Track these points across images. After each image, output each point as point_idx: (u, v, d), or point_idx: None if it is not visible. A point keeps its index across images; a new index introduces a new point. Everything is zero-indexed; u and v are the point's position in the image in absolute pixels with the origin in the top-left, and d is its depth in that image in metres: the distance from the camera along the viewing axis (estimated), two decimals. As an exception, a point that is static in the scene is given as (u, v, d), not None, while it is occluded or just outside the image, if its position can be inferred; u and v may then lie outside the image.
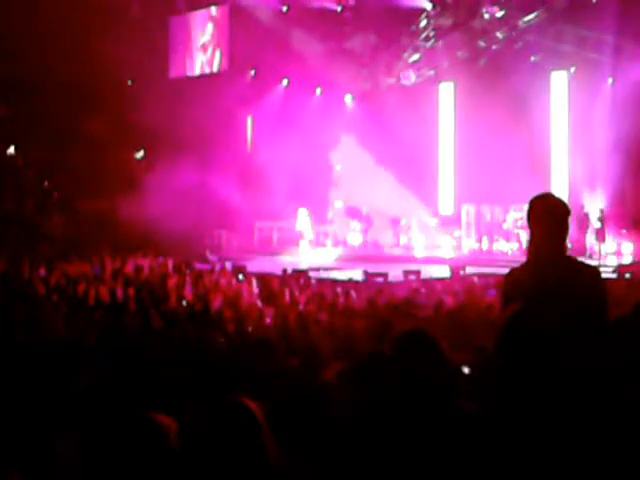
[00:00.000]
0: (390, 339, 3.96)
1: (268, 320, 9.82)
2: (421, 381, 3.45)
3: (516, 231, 21.84)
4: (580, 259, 4.58)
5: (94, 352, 6.68)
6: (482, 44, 23.99)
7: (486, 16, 23.12)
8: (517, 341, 3.03)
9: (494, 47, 23.83)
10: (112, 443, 3.31)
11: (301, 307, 10.96)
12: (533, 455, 2.89)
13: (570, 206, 4.50)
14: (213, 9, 27.62)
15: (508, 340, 3.07)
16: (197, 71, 27.98)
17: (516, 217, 21.95)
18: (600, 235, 20.24)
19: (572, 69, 22.75)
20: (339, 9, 25.07)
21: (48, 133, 25.80)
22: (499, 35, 23.48)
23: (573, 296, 4.05)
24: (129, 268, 16.88)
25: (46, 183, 27.23)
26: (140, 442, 3.23)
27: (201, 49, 27.98)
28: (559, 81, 23.12)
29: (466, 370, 5.01)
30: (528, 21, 22.47)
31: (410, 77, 25.82)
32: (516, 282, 4.44)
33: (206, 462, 3.29)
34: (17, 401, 5.17)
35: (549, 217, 4.32)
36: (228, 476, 3.24)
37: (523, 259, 4.63)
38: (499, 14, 22.94)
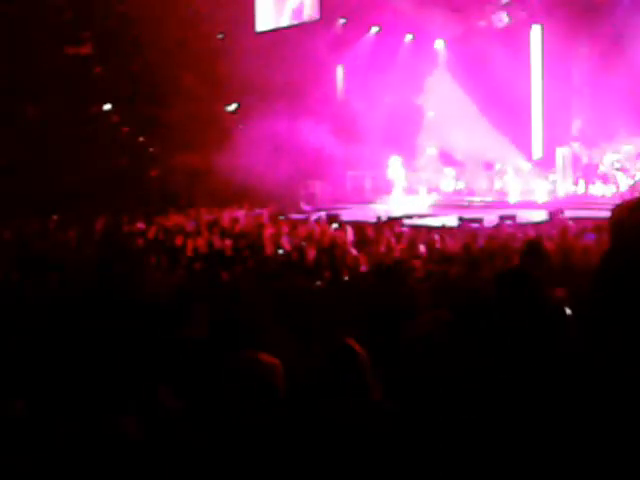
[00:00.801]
0: (489, 278, 3.95)
1: (363, 267, 9.87)
2: (521, 325, 3.44)
3: (613, 173, 21.31)
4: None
5: (194, 302, 6.82)
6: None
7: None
8: (612, 275, 3.01)
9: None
10: (221, 388, 3.41)
11: (396, 254, 10.97)
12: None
13: None
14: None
15: (604, 273, 3.04)
16: (286, 22, 27.87)
17: (613, 159, 21.42)
18: None
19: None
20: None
21: (142, 89, 26.17)
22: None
23: None
24: (225, 220, 17.14)
25: (141, 138, 27.63)
26: (249, 383, 3.32)
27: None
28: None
29: (568, 311, 4.97)
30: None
31: (502, 19, 25.29)
32: (621, 217, 4.32)
33: (312, 402, 3.37)
34: (122, 354, 5.33)
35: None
36: (334, 413, 3.31)
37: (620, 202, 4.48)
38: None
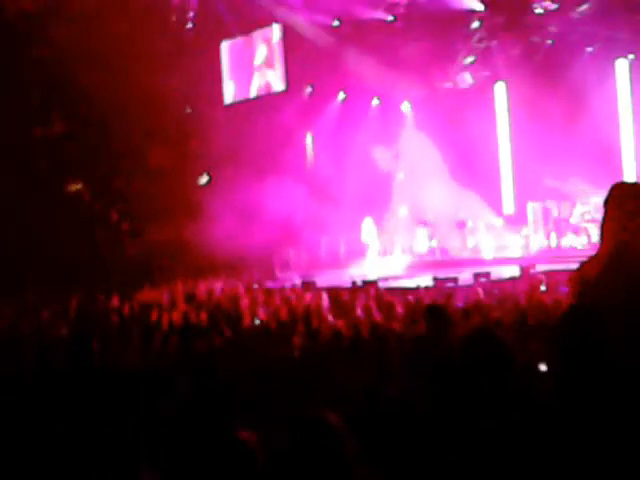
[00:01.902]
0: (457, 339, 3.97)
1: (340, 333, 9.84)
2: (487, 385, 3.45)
3: (584, 225, 21.54)
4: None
5: (173, 375, 6.79)
6: (536, 39, 23.76)
7: (538, 11, 22.94)
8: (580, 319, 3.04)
9: (549, 42, 23.59)
10: (200, 464, 3.38)
11: (373, 318, 10.96)
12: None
13: None
14: (265, 30, 27.79)
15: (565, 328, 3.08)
16: (253, 93, 28.18)
17: (583, 211, 21.67)
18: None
19: (631, 56, 22.40)
20: (390, 19, 25.08)
21: (113, 166, 26.30)
22: (553, 29, 23.23)
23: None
24: (201, 292, 17.10)
25: (114, 215, 27.66)
26: (228, 461, 3.29)
27: (256, 71, 28.18)
28: (621, 69, 22.75)
29: (543, 367, 4.98)
30: (581, 12, 22.18)
31: (466, 79, 25.74)
32: (586, 274, 4.38)
33: (290, 478, 3.32)
34: (99, 427, 5.28)
35: (620, 202, 4.25)
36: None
37: (592, 253, 4.57)
38: (552, 8, 22.72)
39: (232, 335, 10.55)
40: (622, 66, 22.78)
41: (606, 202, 4.35)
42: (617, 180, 4.62)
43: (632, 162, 22.55)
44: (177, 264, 23.71)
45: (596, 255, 4.41)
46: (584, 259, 4.60)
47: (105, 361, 7.85)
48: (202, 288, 18.09)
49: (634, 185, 4.41)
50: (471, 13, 23.90)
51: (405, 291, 15.22)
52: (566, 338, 3.14)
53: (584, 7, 21.98)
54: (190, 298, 15.91)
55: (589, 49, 22.72)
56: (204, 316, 12.53)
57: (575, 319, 3.14)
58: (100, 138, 26.19)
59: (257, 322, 11.80)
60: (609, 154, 22.30)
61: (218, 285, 18.85)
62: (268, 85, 27.87)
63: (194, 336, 10.53)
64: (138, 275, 22.31)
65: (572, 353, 3.10)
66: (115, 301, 15.72)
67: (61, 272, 22.02)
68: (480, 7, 23.60)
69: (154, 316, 12.89)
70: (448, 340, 4.47)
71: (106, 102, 24.88)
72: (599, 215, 4.47)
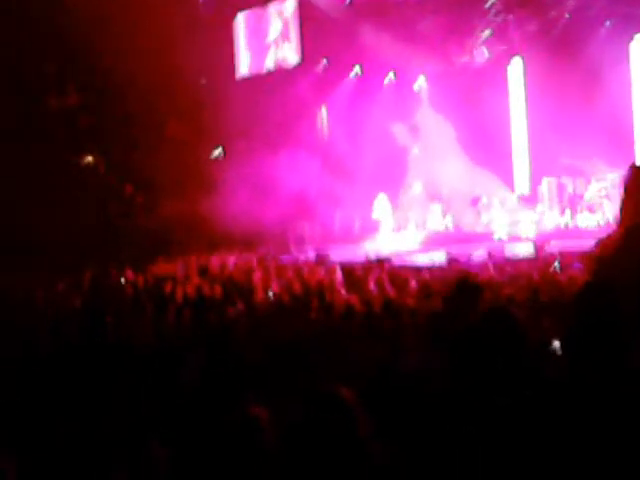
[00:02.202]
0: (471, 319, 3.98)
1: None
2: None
3: (599, 202, 21.44)
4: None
5: (187, 349, 6.82)
6: (553, 14, 23.57)
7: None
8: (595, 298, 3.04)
9: (566, 16, 23.40)
10: (211, 440, 3.40)
11: (386, 293, 10.98)
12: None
13: None
14: (279, 3, 27.67)
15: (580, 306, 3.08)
16: (268, 66, 28.09)
17: (598, 188, 21.56)
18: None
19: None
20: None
21: (128, 139, 26.33)
22: (570, 3, 23.05)
23: None
24: (214, 265, 17.14)
25: (129, 187, 27.72)
26: (239, 437, 3.30)
27: (272, 44, 28.07)
28: (636, 46, 22.55)
29: (556, 344, 4.98)
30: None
31: (483, 54, 25.57)
32: (603, 253, 4.38)
33: (303, 454, 3.34)
34: (115, 403, 5.32)
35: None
36: (326, 467, 3.28)
37: (607, 230, 4.58)
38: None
39: (245, 308, 10.59)
40: (638, 43, 22.55)
41: (624, 183, 4.34)
42: (633, 160, 4.62)
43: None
44: (191, 237, 23.74)
45: (613, 234, 4.41)
46: (599, 236, 4.60)
47: (119, 335, 7.89)
48: (215, 262, 18.14)
49: None
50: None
51: (418, 267, 15.23)
52: (580, 316, 3.14)
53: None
54: (203, 271, 15.96)
55: (607, 24, 22.51)
56: (218, 289, 12.58)
57: (589, 297, 3.14)
58: (115, 110, 26.22)
59: (270, 295, 11.84)
60: (624, 131, 22.18)
61: (231, 259, 18.89)
62: (283, 58, 27.77)
63: (207, 309, 10.59)
64: (152, 248, 22.38)
65: (585, 331, 3.11)
66: (129, 274, 15.79)
67: (74, 244, 22.10)
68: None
69: (168, 289, 12.95)
70: (472, 315, 4.45)
71: (121, 73, 24.89)
72: (614, 192, 4.49)
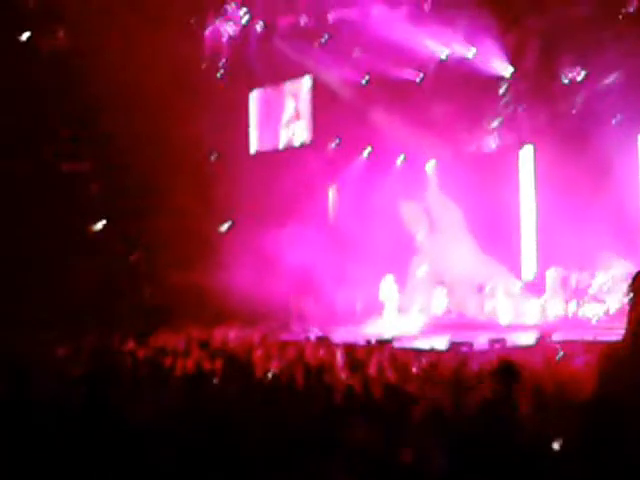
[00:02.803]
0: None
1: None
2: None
3: (603, 295, 21.44)
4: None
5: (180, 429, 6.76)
6: (563, 107, 23.88)
7: (566, 81, 23.13)
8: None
9: (575, 110, 23.69)
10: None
11: (387, 378, 10.90)
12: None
13: None
14: (295, 82, 28.06)
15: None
16: (281, 145, 28.40)
17: (603, 281, 21.59)
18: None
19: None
20: (418, 79, 25.32)
21: (136, 208, 26.49)
22: (580, 97, 23.37)
23: None
24: (216, 339, 17.07)
25: (134, 255, 27.80)
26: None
27: (285, 123, 28.41)
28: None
29: (556, 446, 4.93)
30: (609, 83, 22.32)
31: (491, 143, 25.85)
32: (612, 361, 4.40)
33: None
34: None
35: None
36: None
37: (610, 324, 4.66)
38: (579, 77, 22.90)
39: (243, 387, 10.51)
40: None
41: (631, 290, 4.37)
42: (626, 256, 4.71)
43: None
44: (193, 309, 23.71)
45: (622, 342, 4.43)
46: (602, 330, 4.64)
47: (116, 409, 7.82)
48: (217, 335, 18.07)
49: None
50: (499, 77, 24.12)
51: (420, 353, 15.13)
52: (586, 429, 3.14)
53: (611, 78, 22.12)
54: (204, 345, 15.87)
55: (615, 119, 22.78)
56: (218, 365, 12.50)
57: (597, 412, 3.14)
58: (124, 178, 26.46)
59: (270, 375, 11.75)
60: (631, 224, 22.29)
61: (233, 334, 18.81)
62: (295, 136, 28.07)
63: (206, 385, 10.51)
64: (155, 318, 22.36)
65: (589, 445, 3.10)
66: (130, 344, 15.73)
67: (77, 310, 22.12)
68: (508, 72, 23.82)
69: (168, 362, 12.88)
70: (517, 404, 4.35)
71: (134, 143, 25.20)
72: (619, 285, 4.56)
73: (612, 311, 20.53)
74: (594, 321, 20.91)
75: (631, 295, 4.37)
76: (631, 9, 21.11)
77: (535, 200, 25.32)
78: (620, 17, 21.34)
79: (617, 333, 4.48)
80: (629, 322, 4.40)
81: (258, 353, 13.75)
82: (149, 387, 10.37)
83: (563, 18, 21.65)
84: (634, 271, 4.55)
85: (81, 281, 24.27)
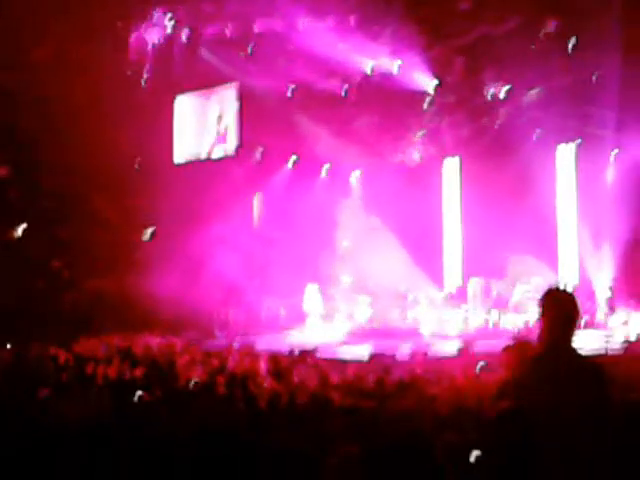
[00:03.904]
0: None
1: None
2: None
3: (524, 304, 21.81)
4: (583, 352, 4.66)
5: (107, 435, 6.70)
6: (486, 121, 24.30)
7: (489, 93, 23.53)
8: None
9: (498, 123, 24.12)
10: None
11: (309, 386, 10.95)
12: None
13: (579, 278, 4.73)
14: (220, 90, 27.95)
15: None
16: (204, 152, 28.24)
17: (523, 290, 21.98)
18: (610, 306, 20.26)
19: (577, 141, 22.97)
20: (344, 91, 25.50)
21: (58, 214, 26.12)
22: (503, 112, 23.82)
23: (574, 397, 4.21)
24: (137, 347, 16.92)
25: (55, 262, 27.38)
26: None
27: (208, 130, 28.28)
28: (565, 153, 23.30)
29: (476, 453, 5.02)
30: (531, 97, 22.81)
31: (415, 155, 26.17)
32: (520, 377, 4.57)
33: None
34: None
35: (555, 313, 4.47)
36: None
37: (530, 334, 4.84)
38: (502, 92, 23.33)
39: (166, 394, 10.45)
40: (565, 150, 23.31)
41: (540, 307, 4.56)
42: (550, 283, 4.90)
43: (571, 245, 22.95)
44: (115, 317, 23.45)
45: (529, 358, 4.62)
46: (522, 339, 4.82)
47: (38, 413, 7.72)
48: (139, 343, 17.91)
49: (566, 297, 4.61)
50: (423, 91, 24.42)
51: (342, 361, 15.24)
52: (497, 439, 3.26)
53: (534, 93, 22.61)
54: (126, 353, 15.73)
55: (536, 133, 23.27)
56: (139, 372, 12.41)
57: (505, 422, 3.27)
58: (45, 184, 26.06)
59: (192, 383, 11.69)
60: (550, 235, 22.80)
61: (155, 341, 18.67)
62: (219, 145, 27.96)
63: (128, 393, 10.41)
64: (76, 325, 22.06)
65: (499, 455, 3.23)
66: (51, 350, 15.52)
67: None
68: (432, 86, 24.13)
69: (89, 369, 12.73)
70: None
71: (53, 149, 24.84)
72: (538, 295, 4.71)
73: (532, 322, 20.88)
74: (517, 327, 21.23)
75: (540, 311, 4.56)
76: (551, 29, 21.58)
77: (460, 210, 25.70)
78: (541, 35, 21.79)
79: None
80: (538, 337, 4.58)
81: (181, 361, 13.68)
82: (72, 395, 10.25)
83: (487, 35, 22.02)
84: (549, 284, 4.74)
85: (3, 288, 23.86)
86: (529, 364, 4.56)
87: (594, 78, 21.26)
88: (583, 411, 4.15)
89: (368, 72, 24.76)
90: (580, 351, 4.48)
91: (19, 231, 27.02)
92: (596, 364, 4.52)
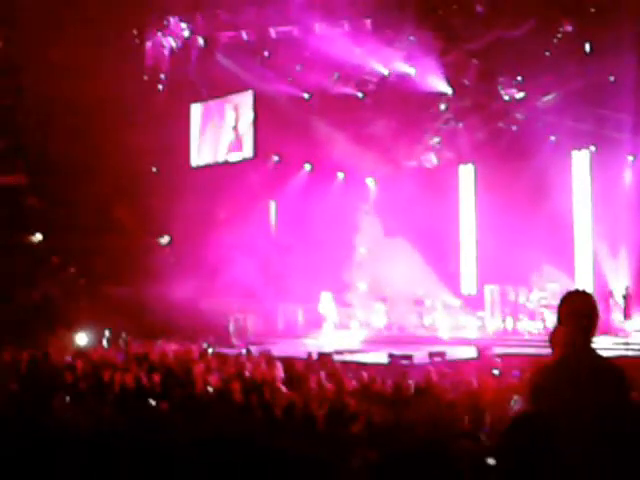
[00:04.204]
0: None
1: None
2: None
3: (540, 310, 21.74)
4: (605, 353, 4.60)
5: (124, 443, 6.70)
6: (502, 125, 24.24)
7: (505, 98, 23.46)
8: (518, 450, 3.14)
9: (514, 128, 24.06)
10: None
11: (327, 392, 10.91)
12: None
13: (595, 284, 4.67)
14: (236, 96, 28.02)
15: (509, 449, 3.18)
16: (221, 158, 28.30)
17: (540, 296, 21.90)
18: (626, 312, 20.16)
19: (592, 147, 22.86)
20: (360, 95, 25.50)
21: (75, 220, 26.18)
22: (518, 116, 23.76)
23: (594, 400, 4.16)
24: (154, 354, 16.91)
25: (72, 269, 27.47)
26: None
27: (225, 136, 28.35)
28: (580, 160, 23.18)
29: (490, 461, 4.99)
30: (547, 101, 22.73)
31: (431, 160, 26.13)
32: (539, 381, 4.52)
33: None
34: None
35: (574, 316, 4.41)
36: None
37: (546, 338, 4.78)
38: (518, 95, 23.26)
39: (183, 401, 10.45)
40: (579, 157, 23.19)
41: (559, 311, 4.51)
42: (570, 287, 4.84)
43: (586, 251, 22.83)
44: (133, 324, 23.47)
45: (548, 362, 4.56)
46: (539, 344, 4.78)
47: (57, 422, 7.73)
48: (156, 350, 17.90)
49: (585, 298, 4.55)
50: (439, 95, 24.38)
51: (360, 366, 15.18)
52: (513, 445, 3.23)
53: (549, 97, 22.53)
54: (143, 360, 15.73)
55: (552, 138, 23.18)
56: (157, 379, 12.40)
57: (521, 429, 3.24)
58: (62, 191, 26.15)
59: (210, 390, 11.67)
60: (566, 241, 22.70)
61: (172, 348, 18.65)
62: (235, 150, 28.02)
63: (145, 399, 10.42)
64: (93, 332, 22.11)
65: (515, 461, 3.20)
66: (68, 358, 15.53)
67: (12, 323, 21.75)
68: (448, 90, 24.10)
69: (106, 376, 12.74)
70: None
71: (71, 155, 24.91)
72: (554, 301, 4.70)
73: (549, 326, 20.79)
74: (531, 336, 21.16)
75: (559, 314, 4.50)
76: (567, 31, 21.51)
77: (475, 216, 25.63)
78: (556, 39, 21.73)
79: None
80: (553, 345, 4.53)
81: (198, 368, 13.65)
82: (89, 402, 10.27)
83: (502, 38, 21.94)
84: (567, 290, 4.67)
85: (16, 295, 23.94)
86: (549, 367, 4.51)
87: (610, 81, 21.14)
88: (603, 414, 4.11)
89: (384, 76, 24.75)
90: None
91: (37, 237, 27.13)
92: (617, 366, 4.46)
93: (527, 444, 3.21)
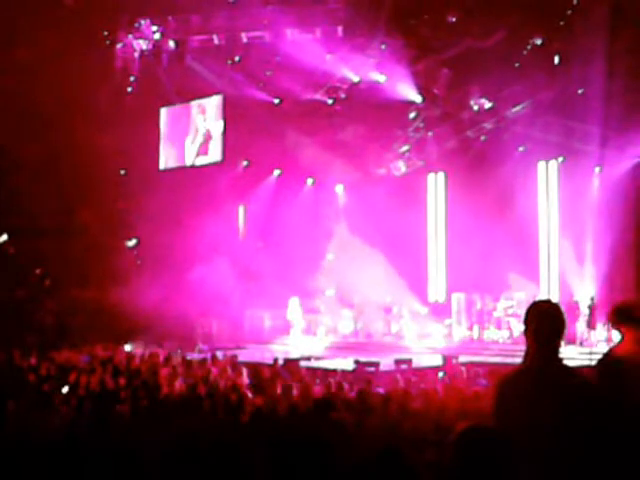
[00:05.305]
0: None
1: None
2: None
3: (506, 319, 21.86)
4: (571, 364, 4.64)
5: (89, 447, 6.64)
6: (471, 135, 24.39)
7: (475, 107, 23.60)
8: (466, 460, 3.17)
9: (482, 138, 24.23)
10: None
11: (292, 398, 10.91)
12: None
13: (560, 294, 4.69)
14: (205, 100, 27.95)
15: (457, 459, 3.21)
16: (189, 162, 28.21)
17: (506, 305, 22.02)
18: (591, 322, 20.30)
19: (560, 158, 23.04)
20: (330, 102, 25.54)
21: (41, 222, 25.95)
22: (487, 126, 23.91)
23: (554, 410, 4.20)
24: (120, 357, 16.84)
25: (37, 271, 27.24)
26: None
27: (193, 140, 28.25)
28: (547, 170, 23.39)
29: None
30: (516, 112, 22.91)
31: (400, 167, 26.25)
32: (504, 392, 4.54)
33: None
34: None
35: (540, 325, 4.44)
36: None
37: (513, 347, 4.83)
38: (487, 106, 23.42)
39: (148, 405, 10.40)
40: (547, 167, 23.39)
41: (525, 321, 4.53)
42: (537, 295, 4.87)
43: (552, 261, 23.04)
44: (98, 327, 23.32)
45: (513, 371, 4.59)
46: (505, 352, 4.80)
47: (19, 424, 7.66)
48: (122, 353, 17.83)
49: (551, 308, 4.57)
50: (409, 103, 24.48)
51: (326, 372, 15.21)
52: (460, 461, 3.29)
53: (518, 108, 22.71)
54: (108, 363, 15.65)
55: (521, 148, 23.36)
56: (122, 382, 12.35)
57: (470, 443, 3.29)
58: (28, 192, 25.90)
59: (175, 394, 11.64)
60: (532, 251, 22.89)
61: (138, 352, 18.59)
62: (204, 154, 27.93)
63: (110, 403, 10.36)
64: (58, 334, 21.95)
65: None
66: (33, 360, 15.42)
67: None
68: (418, 98, 24.20)
69: (71, 379, 12.66)
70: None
71: (35, 156, 24.71)
72: (521, 310, 4.73)
73: (516, 334, 20.93)
74: (497, 345, 21.27)
75: (525, 324, 4.53)
76: (538, 40, 21.68)
77: (444, 225, 25.77)
78: (526, 50, 21.90)
79: (520, 356, 4.61)
80: (524, 355, 4.55)
81: (164, 372, 13.61)
82: (53, 403, 10.19)
83: (472, 48, 22.06)
84: (532, 299, 4.71)
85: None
86: (513, 377, 4.53)
87: (579, 93, 21.33)
88: (563, 424, 4.14)
89: (355, 83, 24.79)
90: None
91: (2, 238, 26.88)
92: (583, 375, 4.50)
93: (472, 457, 3.24)
